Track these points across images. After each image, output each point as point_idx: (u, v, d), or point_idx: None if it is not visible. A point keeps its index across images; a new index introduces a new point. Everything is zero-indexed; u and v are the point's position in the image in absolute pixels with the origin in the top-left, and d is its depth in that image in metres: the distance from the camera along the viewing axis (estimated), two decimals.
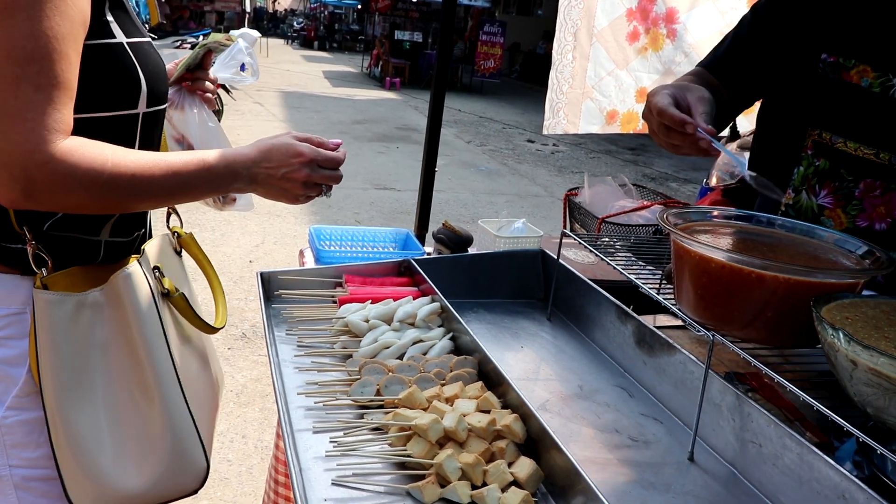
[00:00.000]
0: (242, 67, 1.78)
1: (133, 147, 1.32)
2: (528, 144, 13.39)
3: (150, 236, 1.53)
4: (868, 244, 1.41)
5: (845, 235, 1.47)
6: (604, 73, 3.30)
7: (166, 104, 1.43)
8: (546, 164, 11.74)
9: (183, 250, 1.63)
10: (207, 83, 1.71)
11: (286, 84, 18.10)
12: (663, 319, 1.90)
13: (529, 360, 1.74)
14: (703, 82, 1.71)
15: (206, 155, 1.27)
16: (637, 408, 1.55)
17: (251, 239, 6.34)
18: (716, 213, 1.63)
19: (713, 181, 3.69)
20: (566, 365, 1.72)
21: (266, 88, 16.53)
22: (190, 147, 1.66)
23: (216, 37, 1.74)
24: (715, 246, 1.32)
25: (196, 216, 6.57)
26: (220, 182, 1.29)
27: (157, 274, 1.41)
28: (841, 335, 1.04)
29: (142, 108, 1.30)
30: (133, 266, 1.33)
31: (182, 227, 1.63)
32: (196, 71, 1.69)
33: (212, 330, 1.53)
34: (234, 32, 1.80)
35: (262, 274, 1.79)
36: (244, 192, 1.36)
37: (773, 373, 1.19)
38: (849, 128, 1.58)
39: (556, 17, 3.24)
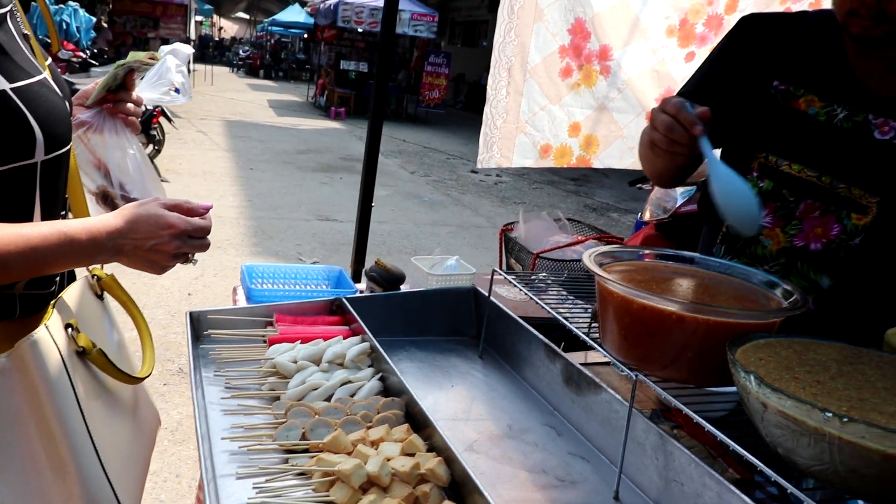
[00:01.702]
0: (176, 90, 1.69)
1: (34, 199, 1.24)
2: (472, 175, 13.49)
3: (74, 277, 1.46)
4: (785, 282, 1.45)
5: (764, 273, 1.52)
6: (537, 108, 3.35)
7: (69, 146, 1.33)
8: (489, 195, 11.83)
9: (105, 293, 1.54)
10: (130, 105, 1.59)
11: (230, 113, 17.94)
12: (595, 356, 1.92)
13: (460, 398, 1.74)
14: None
15: (68, 227, 1.19)
16: (565, 446, 1.56)
17: (190, 271, 6.21)
18: (646, 252, 1.66)
19: (647, 215, 3.78)
20: (497, 404, 1.72)
21: (210, 117, 16.37)
22: (107, 173, 1.56)
23: (137, 55, 1.62)
24: (634, 287, 1.34)
25: None
26: (83, 255, 1.22)
27: (70, 332, 1.29)
28: (752, 378, 1.06)
29: (39, 156, 1.20)
30: (40, 331, 1.21)
31: (102, 267, 1.54)
32: (118, 92, 1.58)
33: (135, 381, 1.44)
34: (163, 48, 1.70)
35: (191, 314, 1.76)
36: (109, 262, 1.26)
37: (691, 413, 1.21)
38: (794, 151, 1.66)
39: None
